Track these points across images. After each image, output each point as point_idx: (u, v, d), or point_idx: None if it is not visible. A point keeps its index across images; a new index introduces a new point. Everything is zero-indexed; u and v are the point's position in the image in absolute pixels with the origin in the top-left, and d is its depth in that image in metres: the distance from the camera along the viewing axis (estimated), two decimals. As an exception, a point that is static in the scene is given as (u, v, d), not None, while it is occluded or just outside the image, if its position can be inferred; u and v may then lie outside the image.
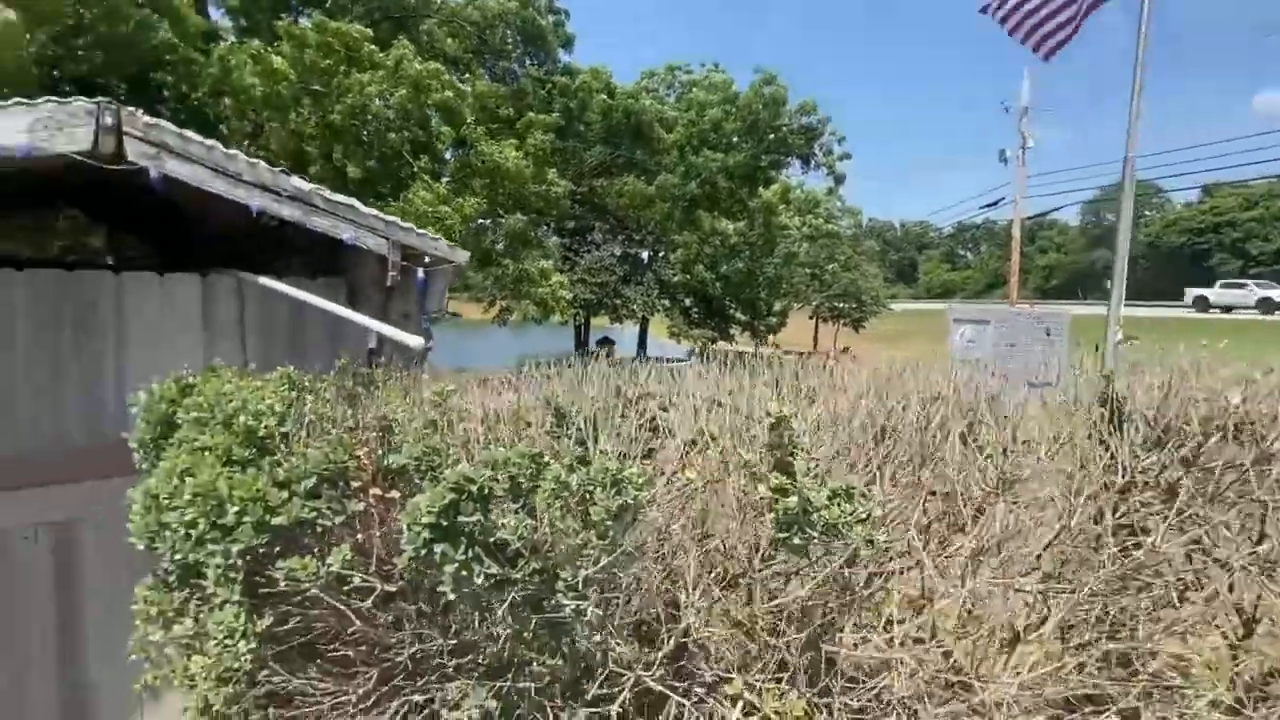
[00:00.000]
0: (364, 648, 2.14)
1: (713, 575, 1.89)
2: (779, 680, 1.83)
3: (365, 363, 3.69)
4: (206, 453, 2.36)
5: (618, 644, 1.83)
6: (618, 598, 1.85)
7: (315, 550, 2.05)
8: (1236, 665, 2.08)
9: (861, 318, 38.04)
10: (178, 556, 2.32)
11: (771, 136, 25.46)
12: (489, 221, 16.61)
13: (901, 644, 2.05)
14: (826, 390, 2.78)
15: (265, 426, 2.29)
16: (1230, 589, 2.19)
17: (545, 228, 21.40)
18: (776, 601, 1.78)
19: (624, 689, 1.79)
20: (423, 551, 1.79)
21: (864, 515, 1.73)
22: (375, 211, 4.23)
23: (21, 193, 7.24)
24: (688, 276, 27.73)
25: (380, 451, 2.07)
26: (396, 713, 2.10)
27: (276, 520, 2.05)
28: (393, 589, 2.04)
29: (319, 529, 2.07)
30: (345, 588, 2.14)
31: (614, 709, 1.74)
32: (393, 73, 14.18)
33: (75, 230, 14.31)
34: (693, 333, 29.92)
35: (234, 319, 4.07)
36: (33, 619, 3.53)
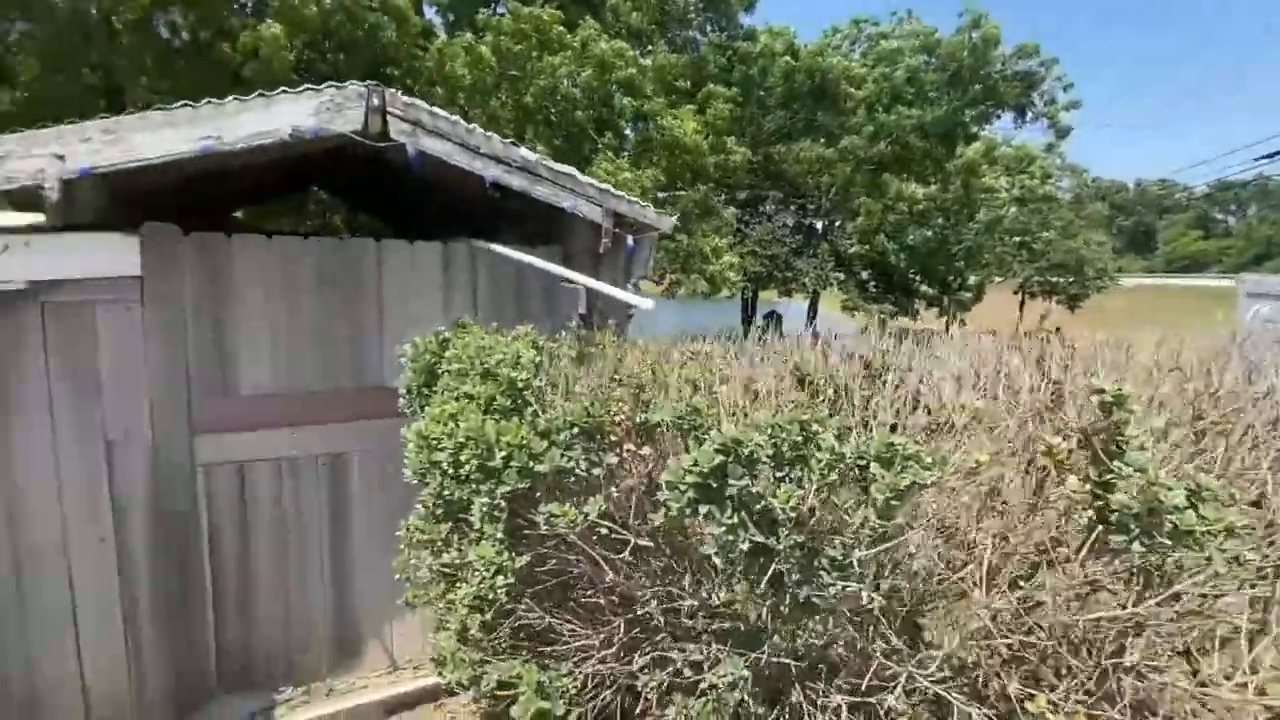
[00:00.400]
0: (614, 597, 2.20)
1: (1005, 573, 1.66)
2: (1085, 703, 1.58)
3: (580, 326, 3.83)
4: (470, 400, 2.57)
5: (890, 634, 1.68)
6: (894, 583, 1.69)
7: (574, 499, 2.13)
8: None
9: (1080, 294, 32.07)
10: (445, 493, 2.55)
11: (978, 87, 22.56)
12: (667, 194, 16.74)
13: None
14: (1134, 369, 2.36)
15: (523, 379, 2.43)
16: None
17: (722, 197, 21.04)
18: (1096, 615, 1.52)
19: (897, 685, 1.65)
20: (686, 511, 1.77)
21: (1229, 526, 1.40)
22: (591, 180, 4.35)
23: (283, 181, 8.57)
24: (866, 247, 25.83)
25: (635, 408, 2.08)
26: (641, 664, 2.14)
27: (540, 467, 2.15)
28: (645, 544, 2.06)
29: (577, 478, 2.15)
30: (594, 537, 2.21)
31: (890, 699, 1.60)
32: (579, 54, 14.69)
33: (321, 210, 16.81)
34: (870, 308, 27.95)
35: (468, 282, 4.43)
36: (314, 533, 4.18)
